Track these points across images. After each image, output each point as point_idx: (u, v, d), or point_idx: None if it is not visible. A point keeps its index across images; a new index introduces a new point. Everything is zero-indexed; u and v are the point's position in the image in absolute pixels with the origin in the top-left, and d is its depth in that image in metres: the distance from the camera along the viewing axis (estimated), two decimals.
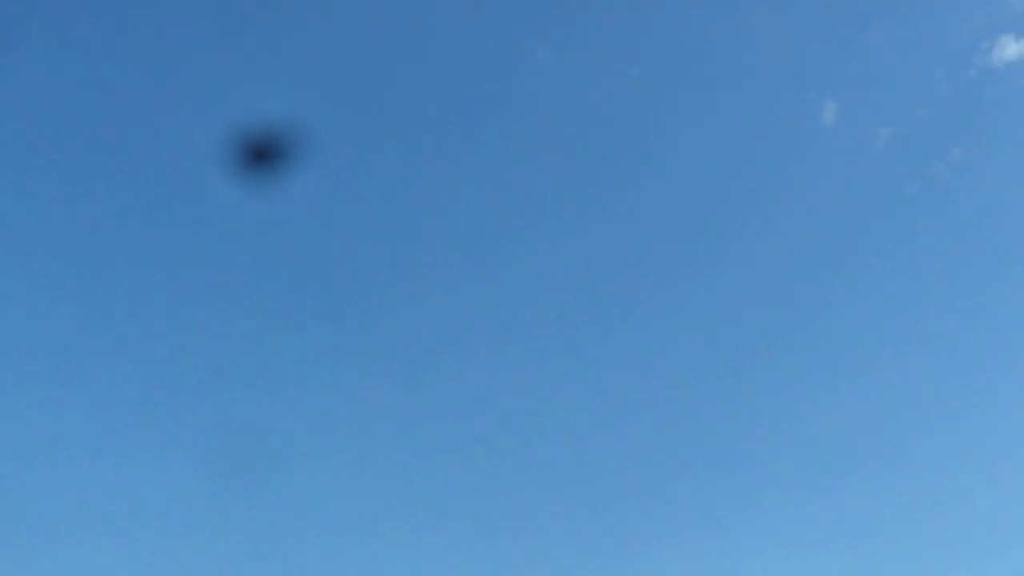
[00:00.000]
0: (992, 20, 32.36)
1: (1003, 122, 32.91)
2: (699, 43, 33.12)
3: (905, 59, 33.03)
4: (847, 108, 32.60)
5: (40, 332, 32.82)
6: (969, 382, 32.88)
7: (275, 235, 32.87)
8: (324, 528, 30.65)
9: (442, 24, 33.27)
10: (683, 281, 33.47)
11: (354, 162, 32.91)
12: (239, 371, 32.47)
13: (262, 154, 22.77)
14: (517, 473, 32.04)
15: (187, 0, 32.81)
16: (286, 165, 23.18)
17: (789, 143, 33.23)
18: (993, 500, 31.64)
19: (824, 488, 31.92)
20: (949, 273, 33.62)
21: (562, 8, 33.60)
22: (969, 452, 32.70)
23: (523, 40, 33.52)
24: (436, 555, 29.87)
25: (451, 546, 30.17)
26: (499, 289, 33.91)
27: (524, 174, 33.85)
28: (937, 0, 33.02)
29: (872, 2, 32.85)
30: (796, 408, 32.37)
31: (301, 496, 30.88)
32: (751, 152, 33.25)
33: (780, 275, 33.51)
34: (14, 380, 31.97)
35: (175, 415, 31.61)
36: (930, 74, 32.87)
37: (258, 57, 32.73)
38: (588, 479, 32.03)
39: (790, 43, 33.13)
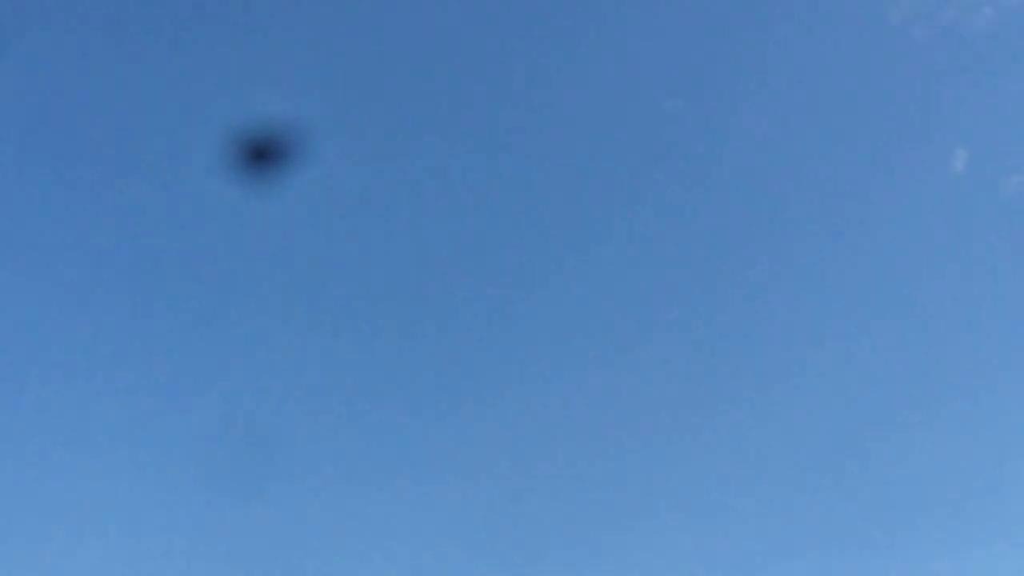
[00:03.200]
0: None
1: None
2: (825, 88, 33.39)
3: None
4: (977, 156, 32.94)
5: (38, 332, 32.75)
6: None
7: (275, 235, 32.79)
8: (324, 537, 30.60)
9: (443, 23, 33.18)
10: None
11: (355, 162, 32.83)
12: (239, 374, 32.42)
13: (262, 154, 22.69)
14: (523, 487, 31.99)
15: (187, 0, 32.76)
16: (286, 165, 23.09)
17: (919, 190, 33.55)
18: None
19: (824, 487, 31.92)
20: None
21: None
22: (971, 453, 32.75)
23: (539, 41, 33.44)
24: (438, 567, 29.87)
25: (453, 559, 30.17)
26: (502, 290, 33.83)
27: (532, 174, 33.78)
28: None
29: (1001, 48, 33.07)
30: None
31: (300, 504, 30.84)
32: (880, 197, 33.67)
33: (911, 322, 33.82)
34: (12, 380, 31.93)
35: (171, 418, 31.55)
36: None
37: (258, 57, 32.67)
38: (594, 497, 32.03)
39: (920, 88, 33.48)
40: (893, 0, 32.29)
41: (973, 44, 33.19)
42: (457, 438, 32.44)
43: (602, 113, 33.96)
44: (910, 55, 33.52)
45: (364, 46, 33.57)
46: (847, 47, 33.52)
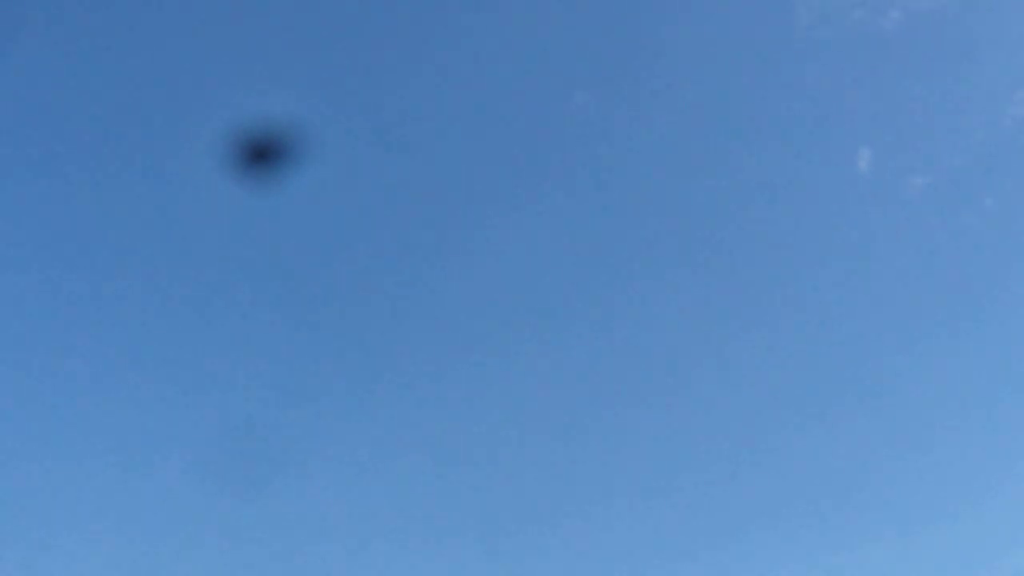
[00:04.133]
0: None
1: None
2: (728, 86, 33.35)
3: (939, 107, 33.23)
4: (881, 155, 32.88)
5: (38, 332, 32.77)
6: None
7: (276, 235, 32.82)
8: (326, 535, 30.62)
9: (443, 22, 33.20)
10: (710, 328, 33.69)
11: (356, 162, 32.86)
12: (239, 373, 32.44)
13: (262, 153, 22.71)
14: (524, 483, 32.06)
15: (187, 0, 32.78)
16: (287, 164, 23.12)
17: (824, 189, 33.58)
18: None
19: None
20: (978, 322, 33.55)
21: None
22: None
23: (534, 38, 33.45)
24: (440, 564, 29.90)
25: (455, 555, 30.19)
26: (505, 291, 33.87)
27: (534, 174, 33.80)
28: (973, 49, 32.89)
29: (908, 50, 33.02)
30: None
31: (303, 502, 30.87)
32: (786, 196, 33.60)
33: (809, 322, 33.77)
34: (11, 380, 31.94)
35: (171, 417, 31.57)
36: (965, 123, 33.10)
37: (258, 57, 32.69)
38: (601, 486, 32.09)
39: (828, 89, 33.43)
40: (803, 0, 32.29)
41: (880, 46, 33.16)
42: (456, 435, 32.54)
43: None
44: (817, 55, 33.45)
45: (364, 46, 33.62)
46: (755, 46, 33.30)
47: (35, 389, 32.11)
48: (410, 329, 33.32)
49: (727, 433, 32.45)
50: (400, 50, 33.14)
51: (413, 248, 33.63)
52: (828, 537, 30.96)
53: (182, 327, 32.69)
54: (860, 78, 33.28)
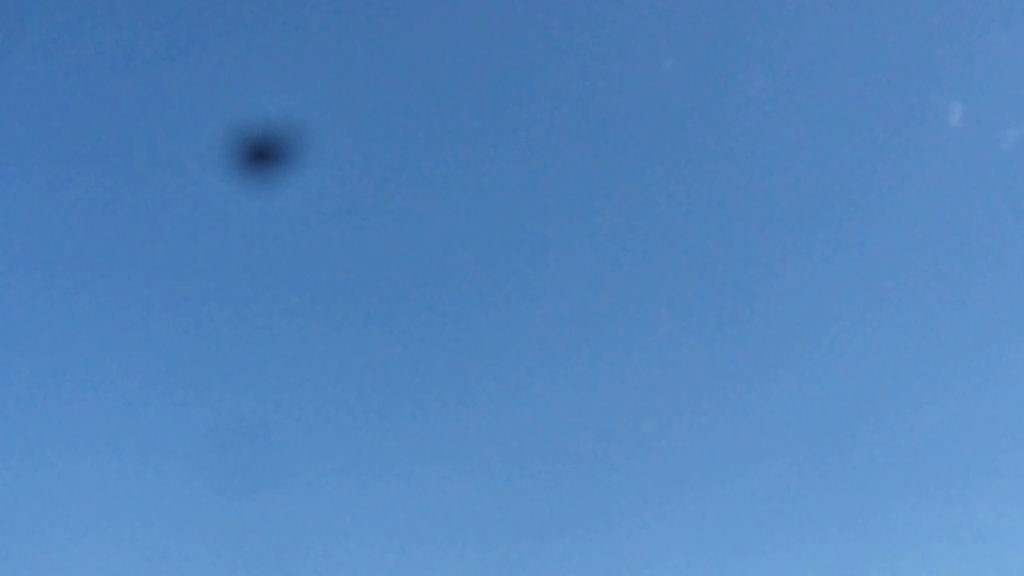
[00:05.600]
0: None
1: None
2: (821, 46, 33.37)
3: None
4: (973, 110, 32.79)
5: (38, 333, 32.74)
6: None
7: (276, 235, 32.80)
8: (323, 537, 30.59)
9: (443, 21, 33.19)
10: (794, 282, 33.63)
11: (357, 162, 32.84)
12: (239, 374, 32.41)
13: (262, 154, 22.69)
14: (525, 485, 32.01)
15: (188, 1, 32.76)
16: (287, 165, 23.09)
17: (915, 144, 33.41)
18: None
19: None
20: None
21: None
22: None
23: (544, 37, 33.45)
24: (440, 565, 29.86)
25: (455, 556, 30.15)
26: (506, 291, 33.83)
27: (532, 172, 33.76)
28: None
29: (997, 3, 32.93)
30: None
31: (300, 504, 30.83)
32: (877, 152, 33.51)
33: (906, 274, 33.70)
34: (11, 381, 31.90)
35: (172, 419, 31.54)
36: None
37: (258, 57, 32.67)
38: (600, 492, 32.03)
39: (915, 45, 33.36)
40: None
41: None
42: (455, 435, 32.49)
43: (593, 104, 34.05)
44: (910, 8, 33.42)
45: (364, 47, 33.60)
46: (844, 1, 33.40)
47: (35, 389, 32.11)
48: (411, 329, 33.32)
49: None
50: (400, 50, 33.19)
51: (413, 248, 33.65)
52: None
53: (182, 327, 32.70)
54: (950, 32, 33.34)
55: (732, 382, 33.08)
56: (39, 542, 29.87)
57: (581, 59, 33.66)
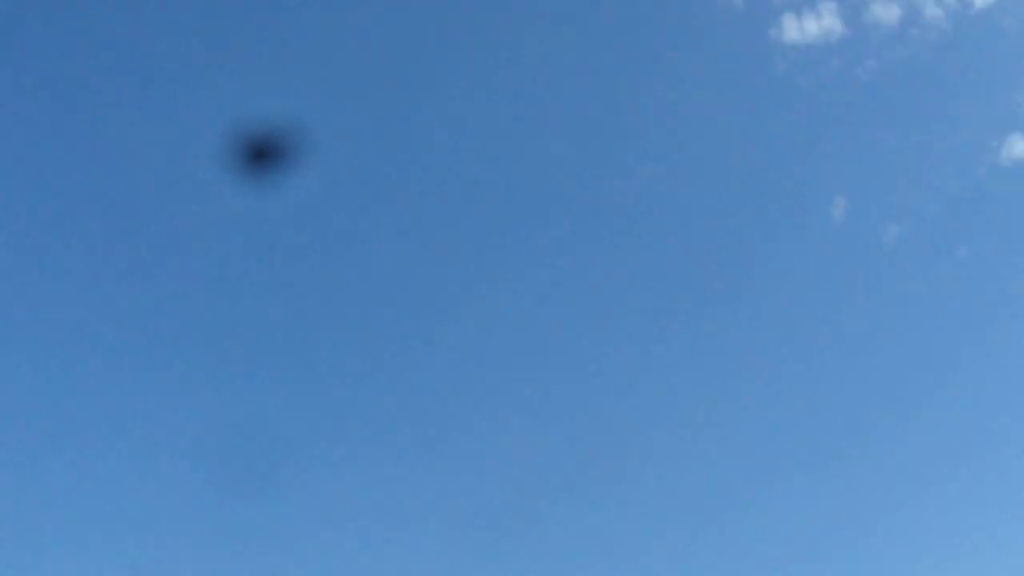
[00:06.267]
0: (1001, 119, 32.62)
1: (1011, 220, 33.22)
2: (707, 135, 33.49)
3: (915, 155, 33.29)
4: (856, 204, 32.92)
5: (38, 332, 32.83)
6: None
7: (275, 235, 32.88)
8: (326, 534, 30.68)
9: (442, 20, 33.25)
10: (670, 370, 33.77)
11: (356, 162, 32.92)
12: (239, 372, 32.49)
13: (262, 154, 22.74)
14: (523, 480, 32.11)
15: (188, 1, 32.83)
16: (286, 165, 23.15)
17: (797, 236, 33.63)
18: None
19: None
20: (952, 370, 33.68)
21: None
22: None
23: (537, 41, 33.56)
24: (440, 562, 29.95)
25: (455, 553, 30.23)
26: (506, 291, 33.91)
27: (533, 171, 33.85)
28: (947, 98, 33.20)
29: (883, 99, 33.11)
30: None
31: (302, 501, 30.91)
32: (759, 244, 33.64)
33: (783, 367, 33.92)
34: (11, 380, 31.98)
35: (172, 417, 31.63)
36: (939, 171, 33.13)
37: (258, 57, 32.74)
38: (597, 486, 32.17)
39: (799, 138, 33.50)
40: (779, 49, 32.25)
41: (856, 94, 33.16)
42: (455, 434, 32.58)
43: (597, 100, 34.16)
44: (793, 103, 33.44)
45: (363, 47, 33.66)
46: (732, 94, 33.41)
47: (36, 389, 32.22)
48: (411, 328, 33.40)
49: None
50: (401, 52, 33.25)
51: (412, 248, 33.72)
52: None
53: (182, 326, 32.79)
54: (835, 126, 33.39)
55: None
56: (39, 541, 30.02)
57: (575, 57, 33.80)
